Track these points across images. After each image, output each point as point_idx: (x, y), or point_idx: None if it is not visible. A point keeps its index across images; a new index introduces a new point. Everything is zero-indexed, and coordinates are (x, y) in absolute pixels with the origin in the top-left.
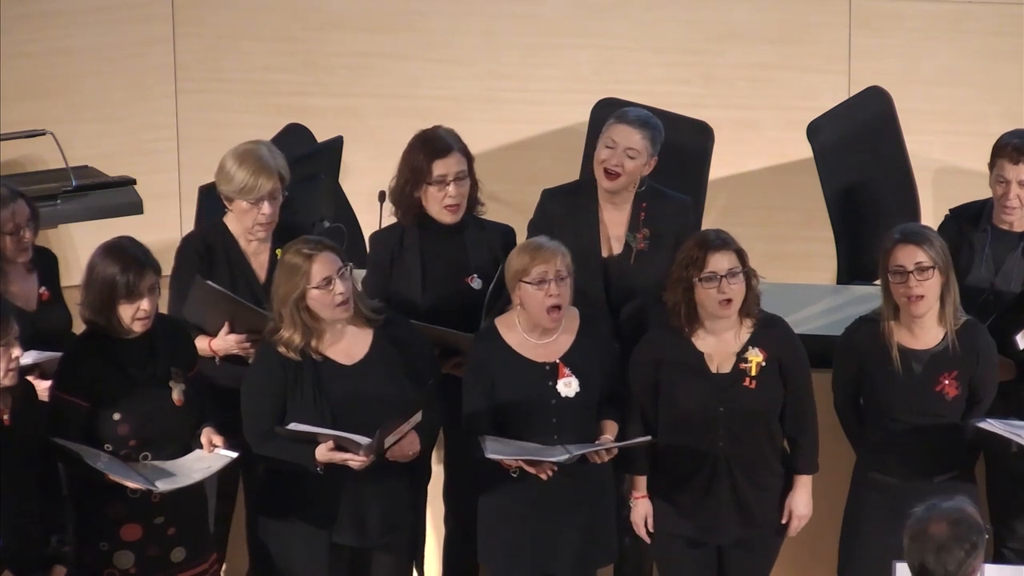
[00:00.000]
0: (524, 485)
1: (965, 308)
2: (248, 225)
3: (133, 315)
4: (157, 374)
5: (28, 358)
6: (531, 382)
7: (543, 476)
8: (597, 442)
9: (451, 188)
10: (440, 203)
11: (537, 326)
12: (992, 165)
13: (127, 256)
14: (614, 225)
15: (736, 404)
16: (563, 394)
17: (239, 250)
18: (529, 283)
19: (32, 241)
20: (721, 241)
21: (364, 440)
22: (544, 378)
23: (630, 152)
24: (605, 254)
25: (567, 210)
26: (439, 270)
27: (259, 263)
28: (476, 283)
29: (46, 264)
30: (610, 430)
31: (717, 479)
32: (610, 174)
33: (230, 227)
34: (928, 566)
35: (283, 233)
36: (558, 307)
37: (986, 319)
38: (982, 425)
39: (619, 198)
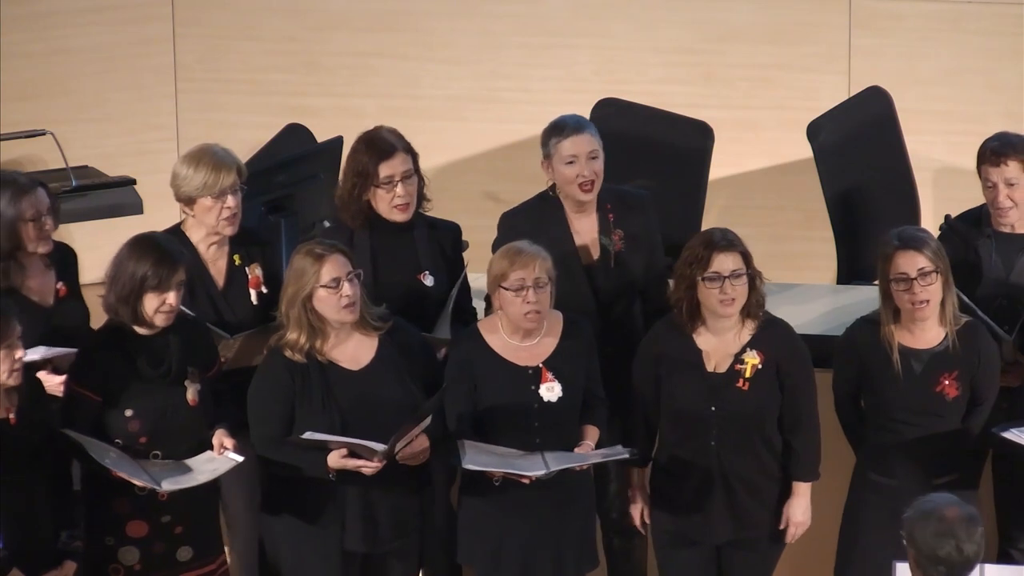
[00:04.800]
0: (503, 488)
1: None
2: (212, 223)
3: (158, 307)
4: (172, 372)
5: (37, 353)
6: (514, 386)
7: (524, 481)
8: (577, 450)
9: (399, 188)
10: (390, 203)
11: (519, 329)
12: (979, 173)
13: (160, 249)
14: (585, 232)
15: (727, 405)
16: (545, 398)
17: (197, 257)
18: (507, 289)
19: (53, 231)
20: (727, 242)
21: (380, 446)
22: (527, 382)
23: (592, 155)
24: (585, 261)
25: (535, 226)
26: (391, 269)
27: (217, 269)
28: (428, 280)
29: (65, 260)
30: (591, 436)
31: (710, 478)
32: (585, 186)
33: (188, 234)
34: (964, 548)
35: (241, 240)
36: (537, 312)
37: (1001, 324)
38: (1006, 435)
39: (587, 205)
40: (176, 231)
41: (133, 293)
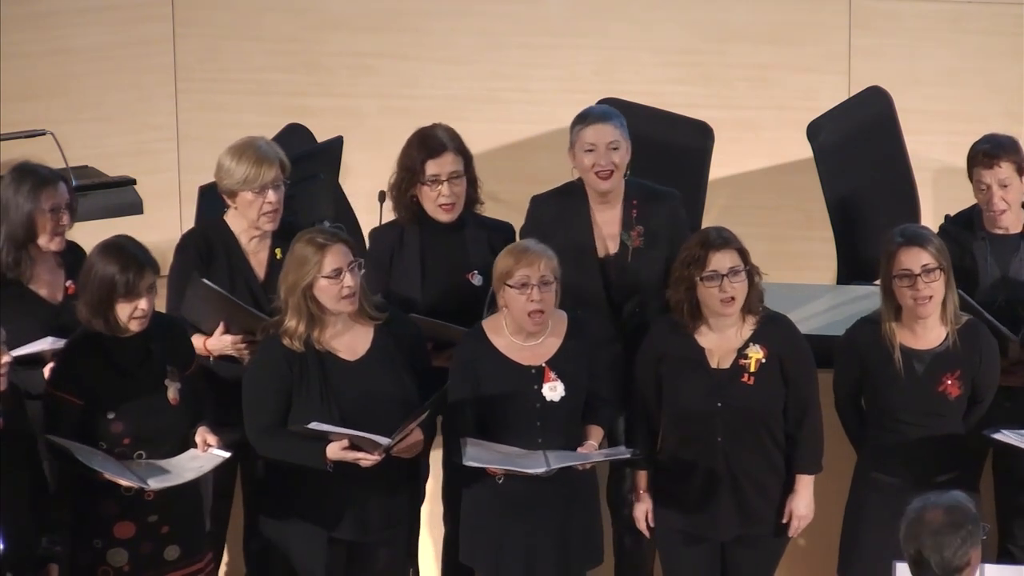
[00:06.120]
0: (506, 486)
1: None
2: (254, 217)
3: (130, 314)
4: (153, 373)
5: (46, 344)
6: (516, 385)
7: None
8: (580, 450)
9: (444, 188)
10: (434, 202)
11: (523, 329)
12: (970, 176)
13: (126, 255)
14: (607, 225)
15: (733, 400)
16: (548, 398)
17: (239, 248)
18: (512, 287)
19: (68, 226)
20: (723, 240)
21: (384, 440)
22: (529, 381)
23: (612, 145)
24: (602, 254)
25: (559, 213)
26: (439, 267)
27: (258, 261)
28: (477, 279)
29: (77, 259)
30: (595, 435)
31: (716, 475)
32: (602, 175)
33: (230, 225)
34: (924, 553)
35: (283, 233)
36: (540, 311)
37: (1001, 324)
38: (997, 436)
39: (610, 196)
40: (219, 222)
41: (103, 301)
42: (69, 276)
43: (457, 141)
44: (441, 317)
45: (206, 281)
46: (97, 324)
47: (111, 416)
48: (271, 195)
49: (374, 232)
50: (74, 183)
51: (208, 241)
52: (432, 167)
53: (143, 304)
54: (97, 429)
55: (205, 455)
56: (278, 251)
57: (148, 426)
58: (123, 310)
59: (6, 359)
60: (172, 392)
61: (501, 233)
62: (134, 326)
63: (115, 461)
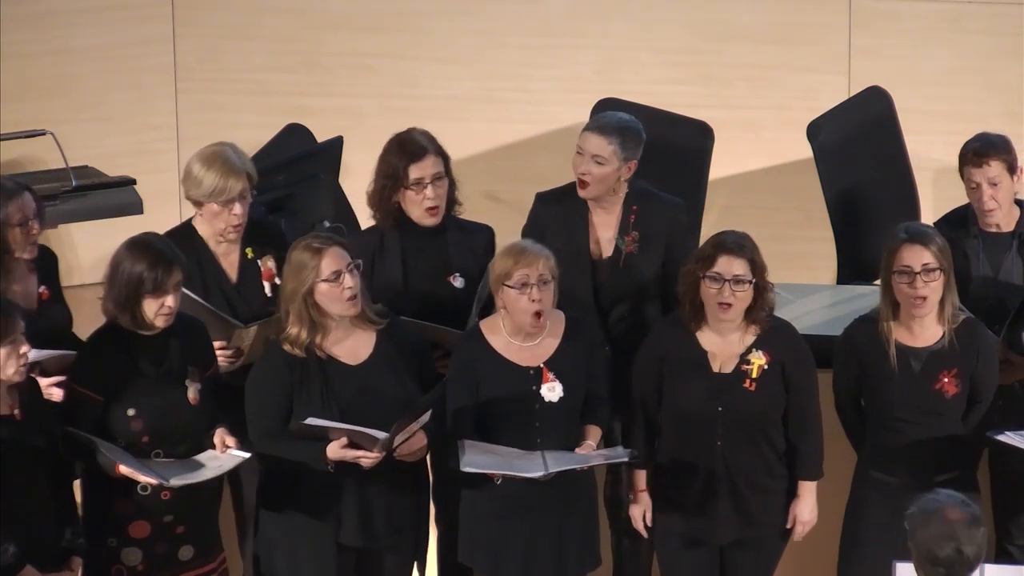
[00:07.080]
0: (505, 487)
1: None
2: (220, 228)
3: (157, 310)
4: (173, 372)
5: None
6: (515, 386)
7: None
8: (578, 450)
9: (429, 191)
10: (420, 206)
11: (521, 329)
12: (961, 174)
13: (154, 252)
14: (604, 228)
15: (734, 405)
16: (547, 399)
17: (209, 252)
18: (511, 287)
19: (39, 235)
20: (736, 246)
21: (381, 434)
22: (528, 382)
23: (597, 159)
24: (595, 257)
25: (558, 213)
26: (421, 271)
27: (229, 263)
28: (459, 282)
29: (46, 263)
30: (593, 435)
31: (715, 479)
32: (580, 182)
33: (199, 229)
34: (964, 551)
35: (251, 232)
36: (540, 312)
37: (991, 323)
38: (1000, 438)
39: (607, 201)
40: (187, 226)
41: (131, 298)
42: (42, 282)
43: (435, 143)
44: (424, 320)
45: (183, 289)
46: (123, 320)
47: (131, 413)
48: (237, 208)
49: (353, 238)
50: (74, 183)
51: (179, 248)
52: (415, 171)
53: (170, 301)
54: (116, 426)
55: (224, 455)
56: (248, 251)
57: (167, 425)
58: (150, 307)
59: (24, 349)
60: (192, 392)
61: (481, 235)
62: (160, 322)
63: (134, 458)
